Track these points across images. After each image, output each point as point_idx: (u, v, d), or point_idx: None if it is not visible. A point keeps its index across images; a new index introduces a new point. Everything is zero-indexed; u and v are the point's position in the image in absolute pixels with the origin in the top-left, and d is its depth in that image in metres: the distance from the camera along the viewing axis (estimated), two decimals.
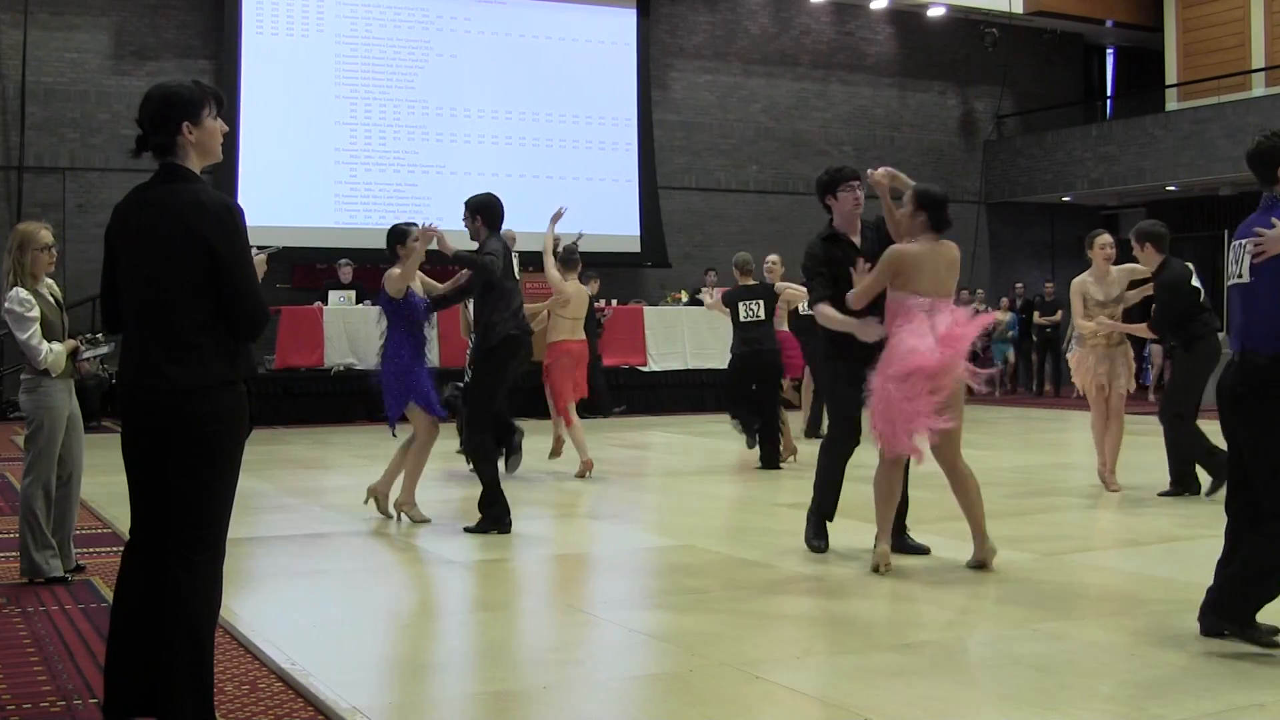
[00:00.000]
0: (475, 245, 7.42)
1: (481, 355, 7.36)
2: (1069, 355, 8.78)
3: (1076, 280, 8.46)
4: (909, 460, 6.10)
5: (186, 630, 3.45)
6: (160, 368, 3.44)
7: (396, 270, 7.28)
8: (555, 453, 10.15)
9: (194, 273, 3.42)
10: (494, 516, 7.12)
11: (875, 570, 5.87)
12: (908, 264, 5.80)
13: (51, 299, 5.74)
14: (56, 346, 5.61)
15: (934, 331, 5.69)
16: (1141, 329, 8.42)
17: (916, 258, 5.81)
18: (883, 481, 5.99)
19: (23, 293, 5.57)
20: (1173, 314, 8.02)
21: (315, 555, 6.66)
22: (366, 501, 7.61)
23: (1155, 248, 8.03)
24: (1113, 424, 8.43)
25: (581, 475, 9.43)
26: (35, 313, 5.57)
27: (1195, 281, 8.14)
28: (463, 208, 7.46)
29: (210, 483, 3.49)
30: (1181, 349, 8.24)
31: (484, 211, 7.36)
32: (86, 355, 5.84)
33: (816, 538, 6.45)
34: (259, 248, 4.06)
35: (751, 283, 10.17)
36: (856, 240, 6.32)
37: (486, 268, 7.16)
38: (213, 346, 3.45)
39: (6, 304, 5.57)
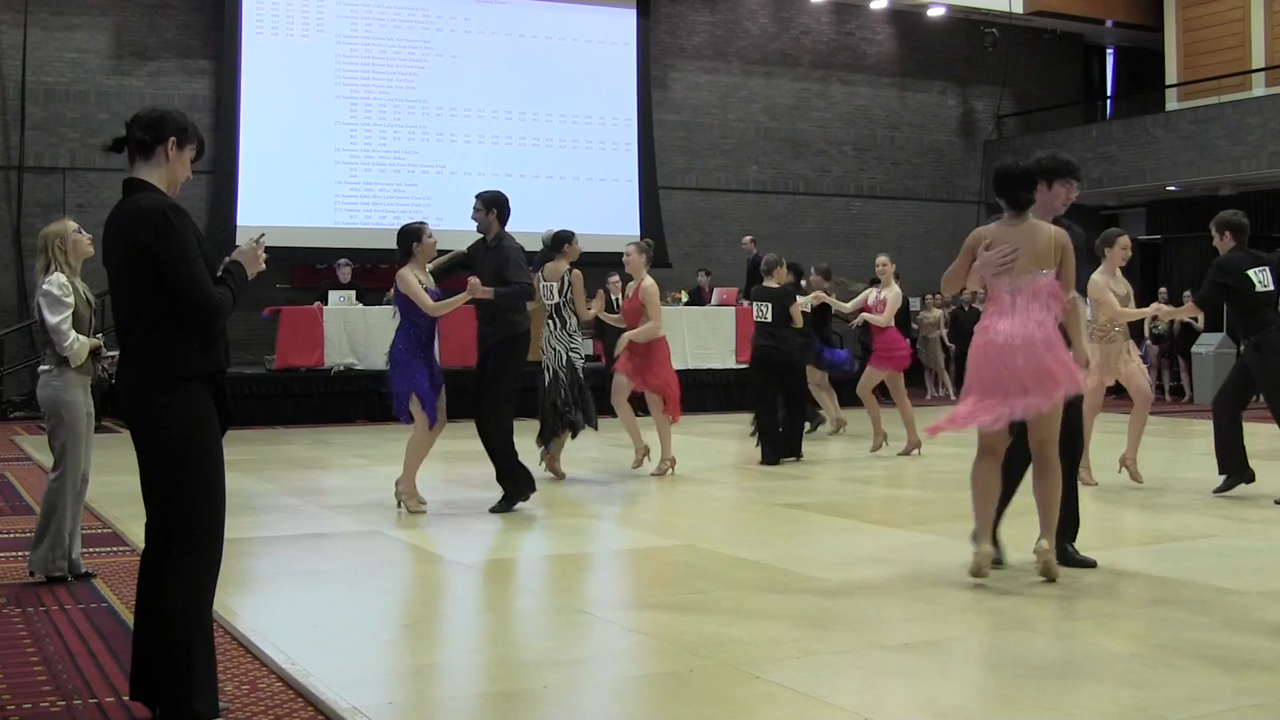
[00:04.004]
0: (481, 237, 8.00)
1: (505, 345, 7.80)
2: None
3: (1100, 277, 8.44)
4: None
5: (171, 628, 3.54)
6: (124, 369, 3.65)
7: (407, 269, 7.57)
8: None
9: (141, 277, 3.55)
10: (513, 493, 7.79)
11: (975, 575, 5.49)
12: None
13: (85, 296, 5.81)
14: (82, 338, 5.68)
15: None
16: (1190, 309, 9.29)
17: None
18: (977, 477, 5.58)
19: (62, 278, 5.68)
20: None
21: (315, 555, 6.66)
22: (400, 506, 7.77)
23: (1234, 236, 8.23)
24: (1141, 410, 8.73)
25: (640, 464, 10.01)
26: (72, 299, 5.66)
27: (1262, 278, 8.12)
28: (475, 199, 7.98)
29: (182, 482, 3.56)
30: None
31: (500, 207, 7.93)
32: (110, 354, 5.89)
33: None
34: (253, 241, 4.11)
35: (770, 285, 10.52)
36: None
37: (526, 293, 7.91)
38: (164, 345, 3.56)
39: (45, 286, 5.67)
